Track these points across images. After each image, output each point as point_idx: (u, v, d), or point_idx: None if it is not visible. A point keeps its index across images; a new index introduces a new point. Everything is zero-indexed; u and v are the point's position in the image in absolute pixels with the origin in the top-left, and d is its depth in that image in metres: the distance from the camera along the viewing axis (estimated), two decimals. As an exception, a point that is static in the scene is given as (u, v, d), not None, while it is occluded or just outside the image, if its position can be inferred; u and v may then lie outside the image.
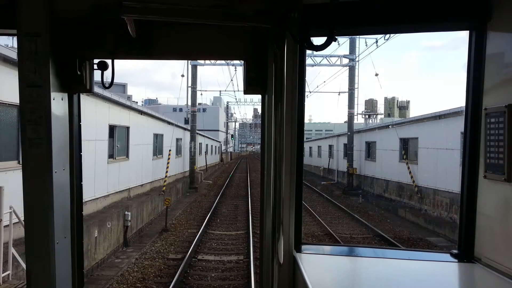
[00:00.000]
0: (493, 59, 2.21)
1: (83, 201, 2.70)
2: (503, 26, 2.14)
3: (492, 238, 2.21)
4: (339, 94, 32.52)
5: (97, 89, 10.58)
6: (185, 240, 13.14)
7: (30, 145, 2.10)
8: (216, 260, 10.98)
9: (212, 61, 27.48)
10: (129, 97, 38.36)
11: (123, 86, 50.75)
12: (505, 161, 2.02)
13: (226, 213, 18.20)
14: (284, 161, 2.24)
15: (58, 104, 2.22)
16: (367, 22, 2.37)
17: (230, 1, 2.02)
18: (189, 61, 27.31)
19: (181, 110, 53.34)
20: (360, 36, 25.04)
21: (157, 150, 21.37)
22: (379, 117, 55.48)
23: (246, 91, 2.61)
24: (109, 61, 2.48)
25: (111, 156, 14.52)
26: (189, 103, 29.71)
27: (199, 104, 44.53)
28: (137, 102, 35.32)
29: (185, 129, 29.26)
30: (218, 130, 66.33)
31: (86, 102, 11.69)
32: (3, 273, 6.39)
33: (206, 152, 42.14)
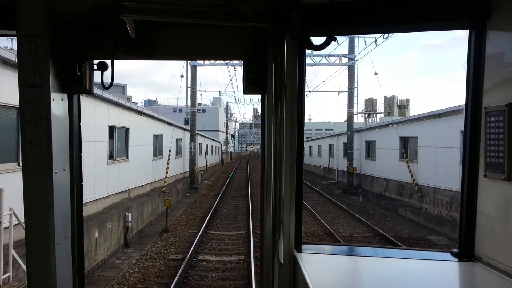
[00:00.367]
0: (493, 58, 2.21)
1: (83, 202, 2.70)
2: (503, 25, 2.14)
3: (492, 237, 2.21)
4: (338, 94, 32.55)
5: (96, 90, 10.59)
6: (185, 240, 13.14)
7: (30, 146, 2.10)
8: (217, 260, 10.98)
9: (212, 62, 27.50)
10: (128, 98, 38.41)
11: (123, 87, 50.72)
12: (505, 160, 2.02)
13: (226, 213, 18.20)
14: (284, 161, 2.24)
15: (58, 104, 2.22)
16: (366, 21, 2.37)
17: (230, 1, 2.02)
18: (188, 61, 27.30)
19: (180, 110, 53.34)
20: (360, 36, 25.06)
21: (157, 150, 21.36)
22: (378, 116, 55.46)
23: (246, 91, 2.61)
24: (109, 62, 2.48)
25: (111, 157, 14.51)
26: (189, 104, 29.72)
27: (199, 104, 44.52)
28: (136, 103, 35.29)
29: (185, 129, 29.26)
30: (218, 130, 66.31)
31: (86, 103, 11.69)
32: (3, 275, 6.38)
33: (206, 153, 42.13)
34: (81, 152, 2.55)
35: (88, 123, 11.93)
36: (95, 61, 2.47)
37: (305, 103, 2.50)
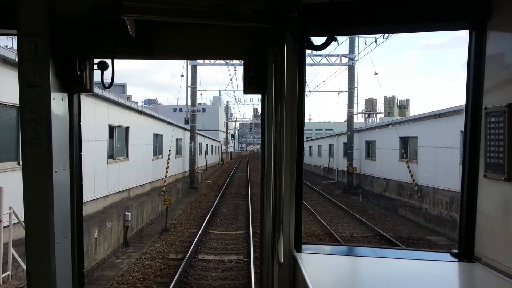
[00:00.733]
0: (493, 59, 2.21)
1: (83, 201, 2.71)
2: (503, 26, 2.13)
3: (492, 237, 2.21)
4: (338, 93, 32.57)
5: (96, 90, 10.57)
6: (185, 240, 13.14)
7: (30, 145, 2.10)
8: (217, 260, 10.98)
9: (212, 61, 27.48)
10: (128, 98, 38.40)
11: (123, 87, 50.75)
12: (505, 160, 2.02)
13: (226, 213, 18.21)
14: (284, 161, 2.24)
15: (58, 104, 2.22)
16: (366, 21, 2.37)
17: (230, 1, 2.02)
18: (188, 61, 27.30)
19: (181, 110, 53.35)
20: (360, 36, 25.05)
21: (157, 150, 21.36)
22: (379, 116, 55.46)
23: (246, 91, 2.61)
24: (109, 61, 2.48)
25: (111, 156, 14.51)
26: (189, 103, 29.70)
27: (199, 104, 44.53)
28: (136, 103, 35.29)
29: (185, 129, 29.26)
30: (218, 130, 66.33)
31: (86, 103, 11.69)
32: (3, 273, 6.38)
33: (206, 152, 42.14)
34: (81, 152, 2.55)
35: (88, 122, 11.94)
36: (95, 61, 2.47)
37: (305, 103, 2.50)
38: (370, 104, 63.21)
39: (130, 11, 1.96)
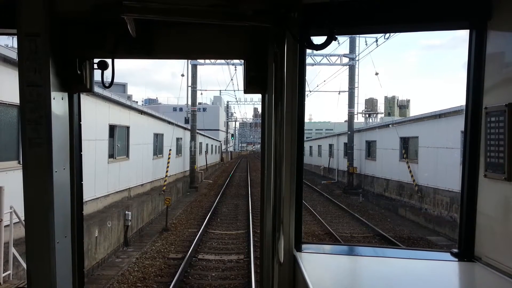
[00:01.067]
0: (493, 58, 2.21)
1: (84, 200, 2.71)
2: (503, 25, 2.13)
3: (492, 237, 2.21)
4: (339, 93, 32.57)
5: (97, 89, 10.59)
6: (185, 239, 13.15)
7: (30, 145, 2.11)
8: (217, 259, 10.99)
9: (212, 61, 27.48)
10: (129, 97, 38.42)
11: (123, 86, 50.80)
12: (505, 160, 2.02)
13: (226, 213, 18.21)
14: (284, 161, 2.24)
15: (58, 103, 2.23)
16: (367, 21, 2.37)
17: (230, 0, 2.02)
18: (189, 60, 27.30)
19: (181, 109, 53.37)
20: (360, 35, 25.04)
21: (157, 149, 21.37)
22: (379, 116, 55.48)
23: (246, 91, 2.61)
24: (109, 61, 2.48)
25: (111, 155, 14.52)
26: (189, 103, 29.70)
27: (199, 103, 44.56)
28: (137, 102, 35.31)
29: (185, 128, 29.26)
30: (218, 130, 66.34)
31: (86, 102, 11.69)
32: (3, 273, 6.39)
33: (206, 152, 42.14)
34: (81, 151, 2.55)
35: (89, 121, 11.94)
36: (96, 60, 2.47)
37: (306, 102, 2.50)
38: (371, 104, 63.19)
39: (130, 11, 1.96)
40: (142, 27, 2.30)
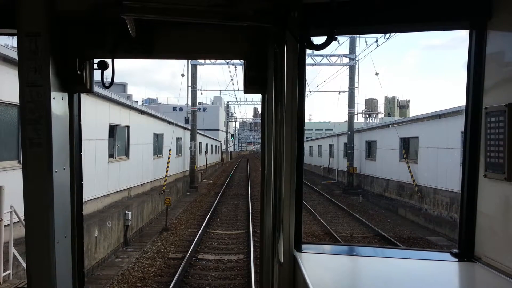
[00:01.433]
0: (493, 58, 2.21)
1: (83, 200, 2.71)
2: (503, 25, 2.13)
3: (492, 237, 2.21)
4: (339, 94, 32.57)
5: (97, 89, 10.59)
6: (185, 239, 13.15)
7: (30, 145, 2.11)
8: (217, 259, 10.99)
9: (212, 61, 27.47)
10: (129, 97, 38.41)
11: (123, 86, 50.81)
12: (505, 160, 2.02)
13: (226, 213, 18.21)
14: (284, 161, 2.24)
15: (58, 103, 2.23)
16: (367, 21, 2.37)
17: (230, 0, 2.02)
18: (189, 60, 27.29)
19: (181, 109, 53.36)
20: (360, 36, 25.04)
21: (157, 149, 21.36)
22: (379, 116, 55.48)
23: (246, 91, 2.62)
24: (109, 61, 2.48)
25: (111, 155, 14.52)
26: (189, 103, 29.70)
27: (199, 103, 44.55)
28: (137, 102, 35.29)
29: (185, 128, 29.26)
30: (218, 130, 66.33)
31: (86, 102, 11.69)
32: (3, 272, 6.39)
33: (206, 152, 42.14)
34: (81, 151, 2.55)
35: (89, 121, 11.94)
36: (96, 60, 2.47)
37: (306, 102, 2.50)
38: (371, 104, 63.23)
39: (130, 11, 1.96)
40: (142, 27, 2.30)
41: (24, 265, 6.63)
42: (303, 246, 2.51)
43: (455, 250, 2.41)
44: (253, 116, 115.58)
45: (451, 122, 16.55)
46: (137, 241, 13.69)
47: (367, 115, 51.76)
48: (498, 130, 2.09)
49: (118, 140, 15.21)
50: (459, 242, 2.41)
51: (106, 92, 13.20)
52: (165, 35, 2.43)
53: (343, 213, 18.89)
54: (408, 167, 20.01)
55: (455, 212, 15.54)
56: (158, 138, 21.48)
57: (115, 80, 2.53)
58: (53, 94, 2.14)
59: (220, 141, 64.07)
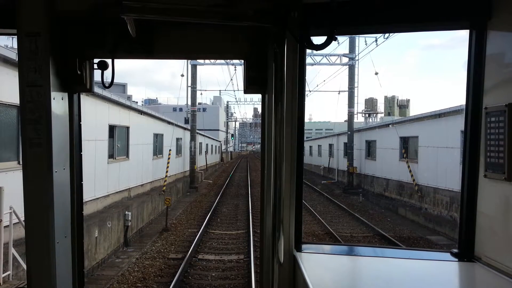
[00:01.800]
0: (493, 58, 2.21)
1: (83, 201, 2.71)
2: (503, 25, 2.13)
3: (492, 237, 2.21)
4: (339, 93, 32.61)
5: (97, 89, 10.58)
6: (185, 239, 13.15)
7: (30, 145, 2.11)
8: (217, 259, 10.99)
9: (212, 61, 27.47)
10: (129, 97, 38.43)
11: (123, 86, 50.81)
12: (505, 160, 2.02)
13: (226, 213, 18.21)
14: (284, 160, 2.24)
15: (58, 103, 2.23)
16: (367, 21, 2.37)
17: (230, 0, 2.02)
18: (188, 60, 27.29)
19: (181, 109, 53.37)
20: (360, 35, 25.04)
21: (157, 149, 21.36)
22: (379, 116, 55.48)
23: (246, 91, 2.62)
24: (109, 61, 2.48)
25: (111, 156, 14.51)
26: (189, 103, 29.70)
27: (199, 103, 44.53)
28: (137, 102, 35.32)
29: (185, 128, 29.26)
30: (218, 130, 66.34)
31: (86, 102, 11.68)
32: (3, 273, 6.39)
33: (206, 152, 42.13)
34: (81, 151, 2.55)
35: (89, 122, 11.93)
36: (96, 60, 2.47)
37: (305, 102, 2.50)
38: (371, 104, 63.25)
39: (130, 11, 1.96)
40: (142, 27, 2.30)
41: (24, 266, 6.62)
42: (303, 246, 2.51)
43: (455, 250, 2.41)
44: (253, 116, 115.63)
45: (451, 121, 16.55)
46: (137, 241, 13.68)
47: (367, 115, 51.75)
48: (498, 130, 2.09)
49: (118, 140, 15.21)
50: (459, 242, 2.40)
51: (105, 93, 13.20)
52: (165, 35, 2.43)
53: (343, 213, 18.89)
54: (408, 166, 20.01)
55: (455, 211, 15.55)
56: (158, 139, 21.48)
57: (115, 80, 2.53)
58: (53, 94, 2.14)
59: (220, 141, 64.08)
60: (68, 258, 2.38)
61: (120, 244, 12.69)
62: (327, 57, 26.68)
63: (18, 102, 2.13)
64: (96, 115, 12.75)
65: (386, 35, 21.05)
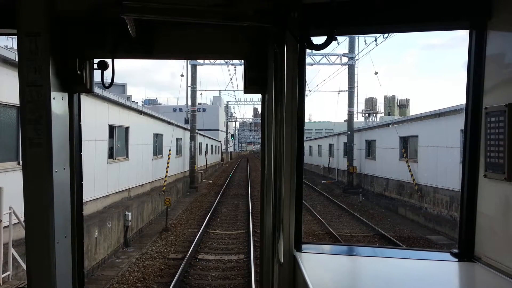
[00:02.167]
0: (493, 58, 2.21)
1: (83, 201, 2.71)
2: (503, 25, 2.13)
3: (492, 237, 2.21)
4: (339, 93, 32.63)
5: (96, 89, 10.57)
6: (185, 239, 13.15)
7: (30, 145, 2.11)
8: (217, 259, 10.99)
9: (212, 61, 27.47)
10: (128, 97, 38.43)
11: (123, 86, 50.81)
12: (505, 160, 2.02)
13: (226, 213, 18.21)
14: (284, 160, 2.24)
15: (58, 103, 2.23)
16: (367, 21, 2.37)
17: (230, 0, 2.02)
18: (188, 60, 27.29)
19: (181, 110, 53.37)
20: (360, 35, 25.04)
21: (157, 150, 21.36)
22: (379, 115, 55.50)
23: (246, 91, 2.62)
24: (109, 61, 2.48)
25: (111, 156, 14.51)
26: (189, 103, 29.70)
27: (199, 103, 44.53)
28: (137, 102, 35.32)
29: (185, 129, 29.25)
30: (218, 130, 66.34)
31: (86, 102, 11.68)
32: (3, 273, 6.38)
33: (206, 152, 42.13)
34: (81, 151, 2.55)
35: (88, 122, 11.93)
36: (96, 60, 2.47)
37: (305, 102, 2.50)
38: (370, 103, 63.28)
39: (130, 11, 1.96)
40: (142, 27, 2.30)
41: (24, 266, 6.62)
42: (303, 246, 2.51)
43: (455, 250, 2.41)
44: (253, 116, 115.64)
45: (451, 121, 16.56)
46: (137, 241, 13.68)
47: (366, 115, 51.76)
48: (498, 130, 2.09)
49: (117, 140, 15.21)
50: (459, 242, 2.40)
51: (105, 93, 13.19)
52: (165, 35, 2.43)
53: (343, 213, 18.89)
54: (408, 166, 20.02)
55: (455, 211, 15.55)
56: (157, 139, 21.48)
57: (115, 80, 2.52)
58: (53, 94, 2.14)
59: (220, 141, 64.07)
60: (68, 258, 2.38)
61: (120, 244, 12.69)
62: (327, 57, 26.68)
63: (18, 102, 2.13)
64: (96, 115, 12.75)
65: (386, 34, 21.07)
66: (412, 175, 19.72)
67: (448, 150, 16.55)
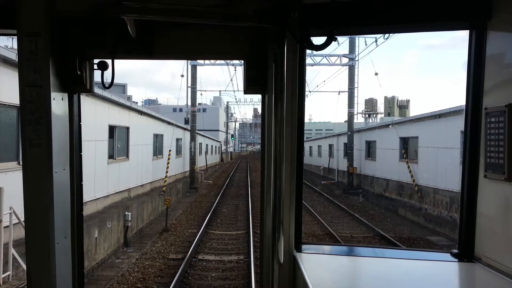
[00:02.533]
0: (493, 59, 2.21)
1: (83, 201, 2.71)
2: (503, 26, 2.13)
3: (492, 237, 2.21)
4: (339, 94, 32.60)
5: (96, 90, 10.57)
6: (185, 240, 13.14)
7: (30, 145, 2.11)
8: (217, 260, 10.99)
9: (212, 61, 27.48)
10: (129, 98, 38.40)
11: (123, 87, 50.81)
12: (505, 160, 2.02)
13: (226, 213, 18.20)
14: (284, 161, 2.24)
15: (58, 104, 2.23)
16: (367, 21, 2.37)
17: (230, 0, 2.02)
18: (188, 61, 27.30)
19: (181, 110, 53.37)
20: (360, 36, 25.04)
21: (157, 150, 21.36)
22: (379, 116, 55.51)
23: (246, 91, 2.62)
24: (109, 61, 2.48)
25: (111, 156, 14.51)
26: (189, 103, 29.70)
27: (199, 104, 44.53)
28: (137, 103, 35.33)
29: (185, 129, 29.25)
30: (218, 130, 66.34)
31: (86, 103, 11.68)
32: (3, 273, 6.39)
33: (206, 152, 42.13)
34: (81, 152, 2.55)
35: (88, 122, 11.93)
36: (96, 61, 2.47)
37: (305, 103, 2.49)
38: (370, 104, 63.30)
39: (130, 11, 1.96)
40: (142, 27, 2.30)
41: (24, 266, 6.62)
42: (303, 246, 2.51)
43: (455, 251, 2.41)
44: (253, 117, 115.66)
45: (451, 121, 16.56)
46: (137, 242, 13.68)
47: (367, 115, 51.76)
48: (498, 131, 2.09)
49: (118, 141, 15.21)
50: (459, 243, 2.40)
51: (105, 93, 13.20)
52: (165, 35, 2.43)
53: (343, 213, 18.89)
54: (408, 167, 20.01)
55: (455, 212, 15.54)
56: (158, 139, 21.48)
57: (115, 80, 2.52)
58: (53, 94, 2.14)
59: (220, 142, 64.07)
60: (68, 259, 2.38)
61: (120, 244, 12.69)
62: (327, 57, 26.68)
63: (18, 103, 2.13)
64: (96, 116, 12.75)
65: (386, 35, 21.08)
66: (412, 176, 19.71)
67: (448, 151, 16.55)
